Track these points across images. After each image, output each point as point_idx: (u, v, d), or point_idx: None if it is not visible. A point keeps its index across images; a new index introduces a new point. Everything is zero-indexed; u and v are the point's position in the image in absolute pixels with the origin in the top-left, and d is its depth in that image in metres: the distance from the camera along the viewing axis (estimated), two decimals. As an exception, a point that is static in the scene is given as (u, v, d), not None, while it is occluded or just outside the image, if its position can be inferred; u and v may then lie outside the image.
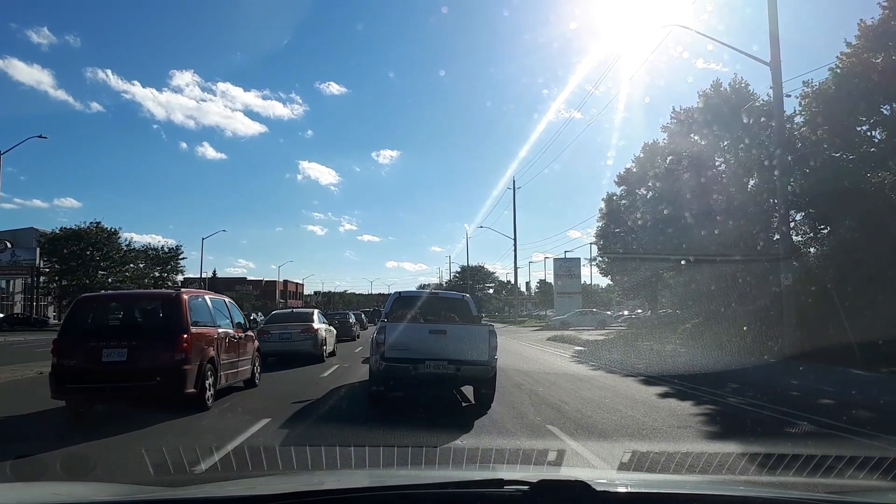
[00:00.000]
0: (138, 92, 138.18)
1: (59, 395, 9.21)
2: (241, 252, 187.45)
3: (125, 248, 70.60)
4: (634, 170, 32.70)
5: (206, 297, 11.16)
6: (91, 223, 67.38)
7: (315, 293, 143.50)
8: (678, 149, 27.77)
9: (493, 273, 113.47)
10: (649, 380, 14.38)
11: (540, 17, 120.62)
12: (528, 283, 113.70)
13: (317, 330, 18.86)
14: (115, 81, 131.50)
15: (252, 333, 13.07)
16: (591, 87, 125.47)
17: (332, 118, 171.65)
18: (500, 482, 2.18)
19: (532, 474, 2.37)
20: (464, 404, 10.76)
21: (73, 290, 67.01)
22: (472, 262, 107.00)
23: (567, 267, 64.50)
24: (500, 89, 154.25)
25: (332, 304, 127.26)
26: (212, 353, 10.11)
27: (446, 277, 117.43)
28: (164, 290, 10.89)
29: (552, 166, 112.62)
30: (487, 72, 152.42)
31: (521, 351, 24.32)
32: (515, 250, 62.34)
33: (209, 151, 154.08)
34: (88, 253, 66.36)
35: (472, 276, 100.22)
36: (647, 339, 26.27)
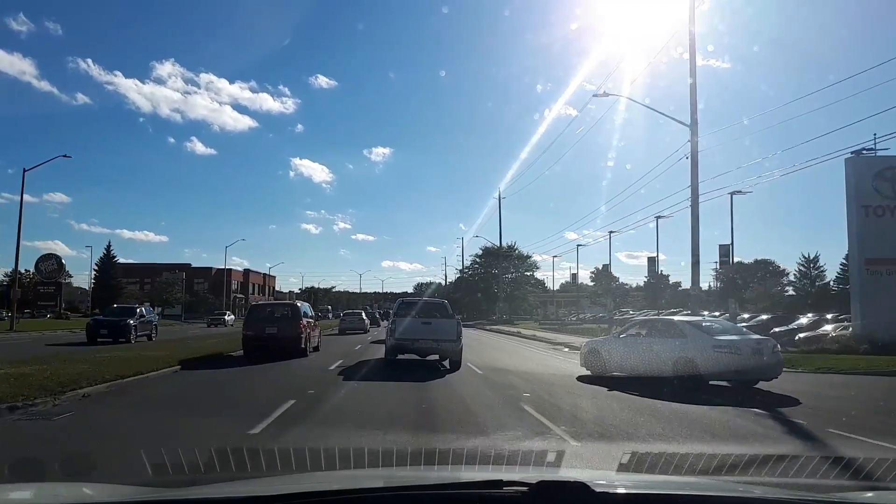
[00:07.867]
0: (122, 83, 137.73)
1: (245, 349, 20.09)
2: (236, 250, 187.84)
3: None
4: None
5: (302, 303, 22.67)
6: None
7: (289, 292, 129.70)
8: None
9: (530, 258, 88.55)
10: None
11: (535, 18, 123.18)
12: (575, 275, 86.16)
13: (364, 319, 45.04)
14: (97, 72, 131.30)
15: (315, 321, 24.16)
16: (590, 85, 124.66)
17: (323, 114, 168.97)
18: (500, 483, 2.20)
19: (531, 475, 2.44)
20: (441, 369, 17.16)
21: None
22: (484, 247, 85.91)
23: None
24: (497, 88, 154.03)
25: (317, 300, 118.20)
26: (308, 330, 21.17)
27: (458, 266, 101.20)
28: (288, 301, 22.20)
29: (553, 167, 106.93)
30: (483, 70, 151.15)
31: None
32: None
33: (198, 146, 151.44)
34: None
35: (498, 262, 78.83)
36: None
